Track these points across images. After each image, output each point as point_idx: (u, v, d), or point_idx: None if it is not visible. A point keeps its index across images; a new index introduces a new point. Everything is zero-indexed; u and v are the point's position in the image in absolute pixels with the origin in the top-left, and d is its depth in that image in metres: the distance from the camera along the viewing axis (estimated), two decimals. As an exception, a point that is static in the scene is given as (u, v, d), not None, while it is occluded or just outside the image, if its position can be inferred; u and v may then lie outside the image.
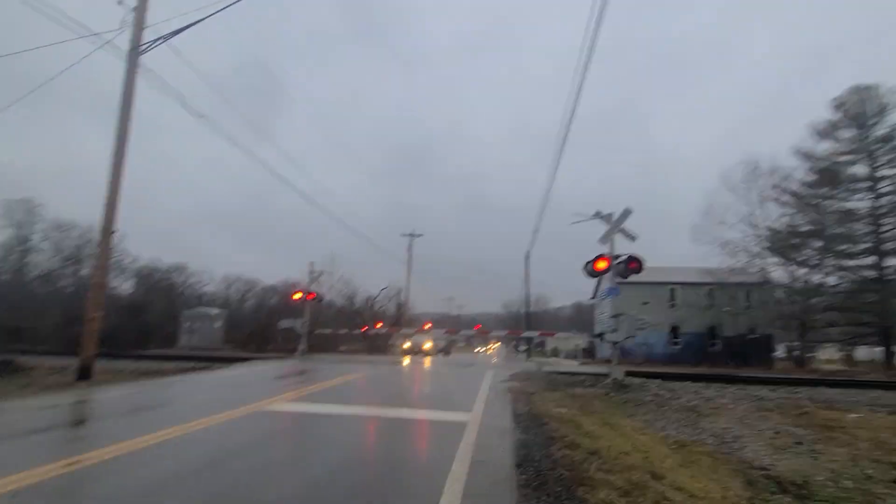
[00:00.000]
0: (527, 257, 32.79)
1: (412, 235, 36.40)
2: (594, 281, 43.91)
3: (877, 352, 39.56)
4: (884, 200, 29.04)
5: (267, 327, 26.77)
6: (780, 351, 32.82)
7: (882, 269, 28.36)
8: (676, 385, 10.46)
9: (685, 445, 6.41)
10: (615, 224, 10.20)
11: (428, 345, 26.89)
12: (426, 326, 23.93)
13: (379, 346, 35.08)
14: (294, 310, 21.83)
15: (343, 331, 22.27)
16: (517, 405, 7.26)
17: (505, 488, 3.58)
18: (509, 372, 12.93)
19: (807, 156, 31.60)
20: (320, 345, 28.21)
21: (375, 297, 38.54)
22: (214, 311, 29.67)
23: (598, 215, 10.39)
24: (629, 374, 10.77)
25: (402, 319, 36.36)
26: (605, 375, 11.09)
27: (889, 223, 28.88)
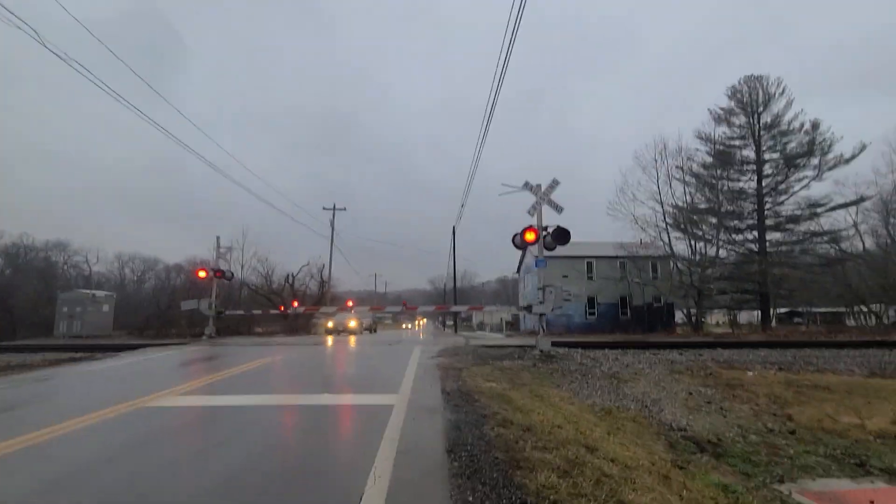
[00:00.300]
0: (454, 232, 32.74)
1: (335, 209, 34.64)
2: (518, 256, 45.42)
3: (754, 315, 45.64)
4: (767, 181, 32.78)
5: (168, 310, 24.13)
6: (677, 317, 36.40)
7: (763, 242, 32.21)
8: (598, 353, 10.82)
9: (610, 412, 6.47)
10: (543, 194, 10.11)
11: (353, 323, 25.93)
12: (348, 304, 22.91)
13: (301, 326, 33.44)
14: (202, 290, 19.80)
15: (257, 311, 20.58)
16: (446, 382, 6.90)
17: (436, 479, 3.13)
18: (437, 348, 12.64)
19: (705, 139, 34.61)
20: (233, 327, 26.16)
21: (296, 275, 36.50)
22: (101, 293, 26.06)
23: (526, 186, 10.23)
24: (554, 344, 10.94)
25: (325, 298, 34.86)
26: (532, 347, 11.18)
27: (770, 202, 32.72)
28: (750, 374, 8.79)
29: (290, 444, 4.02)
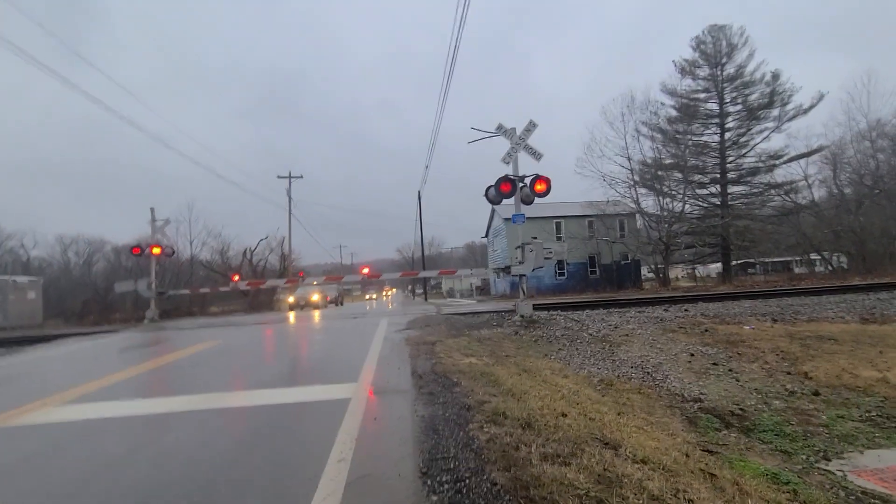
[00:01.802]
0: (419, 196, 31.20)
1: (290, 177, 32.22)
2: (486, 219, 44.41)
3: (710, 269, 47.15)
4: (729, 135, 32.76)
5: (108, 293, 21.78)
6: (643, 273, 36.82)
7: (725, 196, 32.48)
8: (582, 315, 9.96)
9: (612, 384, 5.53)
10: (519, 139, 8.84)
11: (316, 297, 24.40)
12: (300, 275, 21.26)
13: (262, 303, 31.55)
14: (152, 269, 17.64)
15: (205, 290, 18.68)
16: (417, 361, 5.73)
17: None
18: (406, 318, 11.47)
19: (671, 93, 34.04)
20: (185, 308, 24.10)
21: (254, 249, 34.21)
22: (23, 278, 23.18)
23: (500, 129, 8.93)
24: (535, 308, 9.98)
25: (287, 272, 32.92)
26: (510, 312, 10.19)
27: (732, 155, 32.83)
28: (747, 328, 8.13)
29: (189, 477, 2.73)
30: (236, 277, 17.28)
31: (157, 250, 15.36)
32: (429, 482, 2.44)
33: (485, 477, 2.48)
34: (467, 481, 2.44)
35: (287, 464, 2.78)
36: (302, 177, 33.31)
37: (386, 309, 20.36)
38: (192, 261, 32.65)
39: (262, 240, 35.35)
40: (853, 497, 3.33)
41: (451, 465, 2.63)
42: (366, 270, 16.14)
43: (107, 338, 11.34)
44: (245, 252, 34.76)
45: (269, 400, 4.24)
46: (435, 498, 2.28)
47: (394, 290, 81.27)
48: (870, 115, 30.17)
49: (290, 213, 32.20)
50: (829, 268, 32.73)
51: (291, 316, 17.46)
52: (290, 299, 24.89)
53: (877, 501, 3.27)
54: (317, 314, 17.83)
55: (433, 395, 4.15)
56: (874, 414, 4.80)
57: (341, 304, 34.56)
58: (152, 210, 16.10)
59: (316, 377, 5.27)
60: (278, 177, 32.59)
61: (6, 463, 3.04)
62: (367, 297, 56.81)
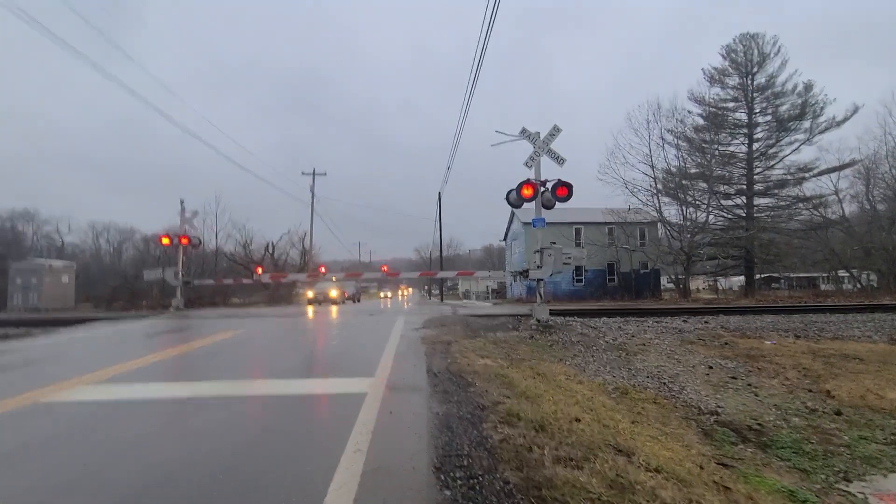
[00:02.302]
0: (440, 197, 31.33)
1: (314, 174, 32.73)
2: (505, 223, 44.32)
3: (732, 281, 46.05)
4: (757, 145, 31.98)
5: (137, 280, 22.49)
6: (662, 283, 36.17)
7: (752, 208, 31.70)
8: (598, 322, 9.90)
9: (626, 393, 5.50)
10: (542, 143, 8.85)
11: (334, 292, 24.71)
12: (321, 270, 21.53)
13: (282, 296, 32.12)
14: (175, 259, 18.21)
15: (228, 280, 19.13)
16: (433, 360, 5.81)
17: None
18: (423, 318, 11.57)
19: (699, 101, 33.41)
20: (208, 298, 24.70)
21: (276, 243, 34.84)
22: (59, 262, 24.10)
23: (523, 133, 8.94)
24: (551, 313, 9.95)
25: (307, 266, 33.45)
26: (526, 316, 10.19)
27: (760, 166, 32.04)
28: (768, 343, 7.96)
29: (205, 464, 2.85)
30: (260, 270, 17.66)
31: (184, 241, 15.82)
32: (442, 477, 2.50)
33: (497, 475, 2.53)
34: (480, 478, 2.49)
35: (305, 451, 2.88)
36: (326, 174, 33.81)
37: (402, 308, 20.53)
38: (217, 252, 33.45)
39: (284, 234, 36.04)
40: (873, 520, 3.27)
41: (465, 463, 2.69)
42: (385, 268, 16.30)
43: (135, 323, 11.75)
44: (267, 246, 35.47)
45: (289, 390, 4.36)
46: (448, 493, 2.34)
47: (410, 289, 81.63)
48: (906, 129, 29.05)
49: (312, 209, 32.74)
50: (858, 285, 31.62)
51: (310, 310, 17.76)
52: (310, 294, 25.27)
53: (897, 525, 3.20)
54: (335, 310, 18.10)
55: (448, 394, 4.21)
56: (900, 437, 4.67)
57: (358, 300, 34.93)
58: (182, 201, 16.61)
59: (334, 370, 5.39)
60: (302, 173, 33.13)
61: (42, 436, 3.21)
62: (382, 295, 55.17)
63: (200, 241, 19.12)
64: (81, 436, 3.23)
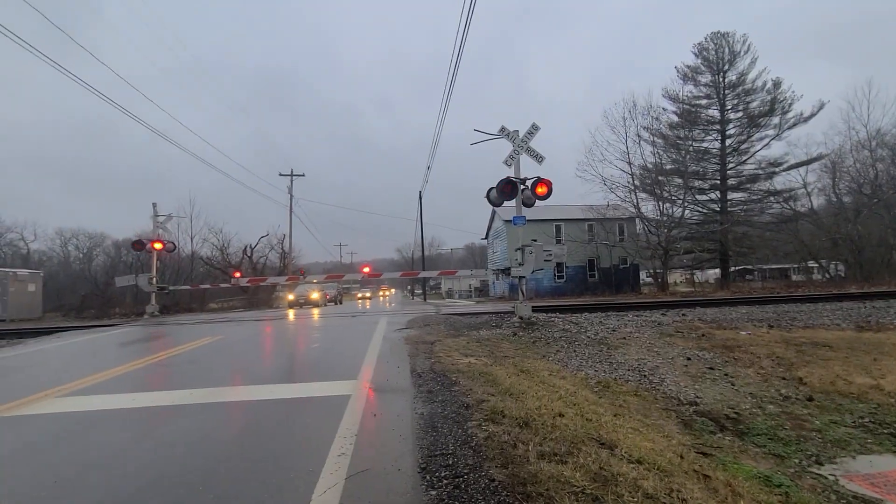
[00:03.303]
0: (420, 197, 31.26)
1: (292, 175, 32.25)
2: (486, 222, 44.48)
3: (708, 274, 47.27)
4: (730, 141, 32.85)
5: (109, 287, 21.81)
6: (641, 278, 36.87)
7: (725, 202, 32.56)
8: (580, 318, 10.02)
9: (608, 386, 5.58)
10: (522, 142, 8.90)
11: (315, 295, 24.42)
12: (301, 272, 21.25)
13: (262, 300, 31.58)
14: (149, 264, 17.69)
15: (206, 286, 18.71)
16: (417, 360, 5.79)
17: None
18: (406, 318, 11.52)
19: (673, 98, 34.11)
20: (184, 303, 24.11)
21: (254, 246, 34.21)
22: (24, 271, 23.18)
23: (502, 131, 8.98)
24: (534, 310, 10.03)
25: (286, 269, 32.96)
26: (509, 314, 10.25)
27: (732, 162, 32.91)
28: (744, 333, 8.19)
29: (181, 475, 2.78)
30: (238, 274, 17.31)
31: (158, 245, 15.39)
32: (428, 477, 2.49)
33: (483, 473, 2.53)
34: (465, 477, 2.49)
35: (289, 456, 2.83)
36: (304, 175, 33.40)
37: (385, 308, 20.41)
38: (193, 257, 32.64)
39: (262, 237, 35.34)
40: (844, 501, 3.39)
41: (450, 462, 2.69)
42: (367, 269, 16.17)
43: (107, 332, 11.38)
44: (245, 249, 34.76)
45: (271, 395, 4.28)
46: (434, 492, 2.34)
47: (392, 289, 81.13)
48: (869, 124, 30.29)
49: (290, 211, 32.27)
50: (827, 276, 32.81)
51: (291, 313, 17.50)
52: (290, 297, 24.92)
53: (867, 505, 3.33)
54: (316, 312, 17.88)
55: (432, 394, 4.20)
56: (867, 420, 4.87)
57: (340, 302, 34.60)
58: (154, 205, 16.14)
59: (316, 374, 5.32)
60: (280, 174, 32.60)
61: (11, 451, 3.08)
62: (360, 296, 50.69)
63: (175, 246, 18.64)
64: (53, 449, 3.11)
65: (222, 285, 18.24)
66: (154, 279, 15.52)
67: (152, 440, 3.22)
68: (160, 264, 18.10)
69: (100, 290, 23.46)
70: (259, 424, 3.53)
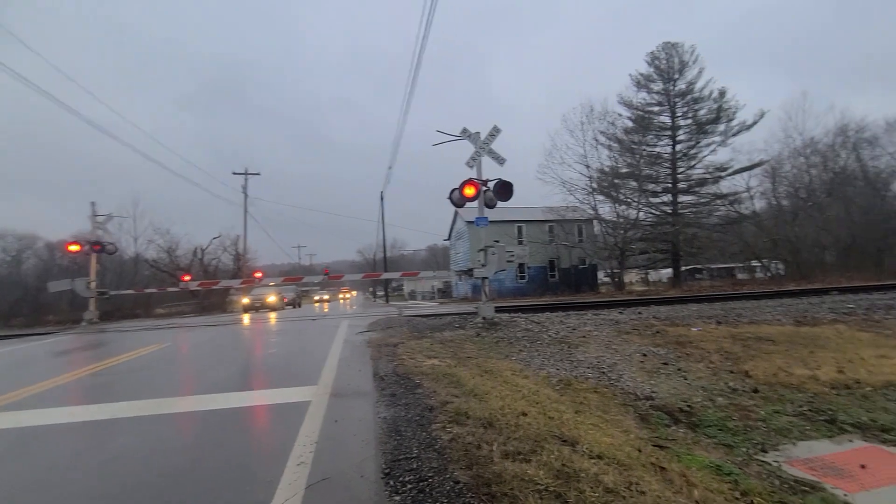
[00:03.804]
0: (382, 197, 30.95)
1: (247, 173, 31.11)
2: (449, 223, 44.67)
3: (661, 274, 49.54)
4: (680, 147, 34.53)
5: (40, 293, 20.21)
6: (599, 277, 38.14)
7: (676, 205, 34.19)
8: (542, 317, 10.19)
9: (570, 384, 5.68)
10: (483, 143, 8.96)
11: (272, 298, 23.59)
12: (256, 275, 20.52)
13: (214, 304, 30.27)
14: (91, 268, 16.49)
15: (152, 290, 17.66)
16: (379, 363, 5.68)
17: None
18: (367, 320, 11.34)
19: (627, 104, 35.50)
20: (128, 309, 22.74)
21: (205, 248, 32.73)
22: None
23: (464, 133, 9.01)
24: (496, 310, 10.12)
25: (241, 272, 31.71)
26: (473, 314, 10.29)
27: (682, 166, 34.59)
28: (695, 329, 8.59)
29: (127, 491, 2.57)
30: (187, 277, 16.45)
31: (97, 247, 14.38)
32: (391, 482, 2.43)
33: (447, 476, 2.50)
34: (430, 480, 2.44)
35: (244, 468, 2.68)
36: (259, 174, 32.18)
37: (346, 311, 20.03)
38: (137, 259, 30.81)
39: (214, 238, 33.84)
40: (786, 485, 3.59)
41: (414, 466, 2.63)
42: (327, 271, 15.79)
43: (39, 341, 10.52)
44: (196, 251, 33.17)
45: (224, 404, 4.07)
46: (398, 498, 2.28)
47: (354, 292, 79.66)
48: (804, 133, 32.71)
49: (245, 211, 31.09)
50: (768, 274, 35.06)
51: (246, 318, 16.84)
52: (245, 301, 23.96)
53: (807, 488, 3.54)
54: (273, 316, 17.29)
55: (395, 397, 4.12)
56: (805, 409, 5.19)
57: (299, 306, 33.63)
58: (93, 204, 15.08)
59: (273, 380, 5.11)
60: (234, 173, 31.29)
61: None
62: (317, 299, 46.55)
63: (116, 248, 17.48)
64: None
65: (170, 289, 17.28)
66: (93, 283, 14.50)
67: (94, 457, 2.97)
68: (100, 267, 16.92)
69: (31, 295, 21.73)
70: (212, 436, 3.34)
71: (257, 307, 23.21)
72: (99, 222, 14.95)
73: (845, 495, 3.45)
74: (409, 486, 2.39)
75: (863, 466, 3.91)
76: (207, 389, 4.73)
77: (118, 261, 27.37)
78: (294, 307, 30.81)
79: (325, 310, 22.46)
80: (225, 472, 2.63)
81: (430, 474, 2.51)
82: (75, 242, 14.77)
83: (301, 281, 18.50)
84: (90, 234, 14.96)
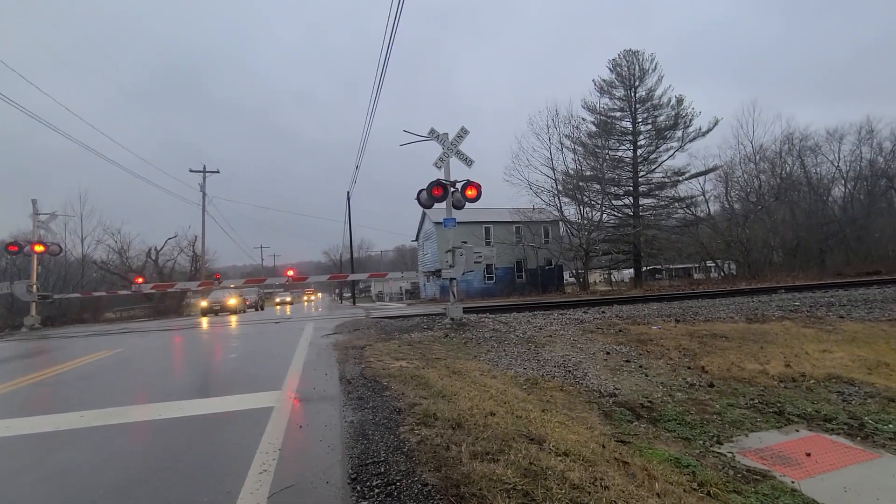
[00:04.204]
0: (349, 197, 30.51)
1: (205, 171, 29.93)
2: (416, 224, 44.55)
3: (623, 274, 51.24)
4: (640, 151, 35.82)
5: (-23, 297, 18.69)
6: (565, 278, 39.04)
7: (637, 207, 35.43)
8: (509, 317, 10.31)
9: (536, 383, 5.77)
10: (451, 145, 8.98)
11: (232, 301, 22.74)
12: (216, 277, 19.78)
13: (170, 308, 28.93)
14: (33, 270, 15.47)
15: (100, 293, 16.67)
16: (346, 366, 5.58)
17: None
18: (334, 323, 11.13)
19: (591, 109, 36.52)
20: (73, 313, 21.41)
21: (160, 249, 31.27)
22: None
23: (432, 134, 9.00)
24: (464, 311, 10.16)
25: (199, 274, 30.48)
26: (441, 315, 10.29)
27: (643, 170, 35.90)
28: (655, 328, 8.90)
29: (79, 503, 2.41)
30: (140, 279, 15.65)
31: (39, 248, 13.47)
32: (359, 487, 2.38)
33: (416, 478, 2.47)
34: (398, 483, 2.41)
35: (203, 479, 2.56)
36: (218, 171, 30.95)
37: (311, 313, 19.60)
38: (84, 260, 28.99)
39: (169, 238, 32.34)
40: (740, 475, 3.77)
41: (382, 469, 2.59)
42: (291, 272, 15.40)
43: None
44: (149, 252, 31.61)
45: (181, 412, 3.88)
46: (365, 502, 2.24)
47: (319, 293, 78.02)
48: (755, 140, 34.66)
49: (203, 210, 29.91)
50: (722, 274, 36.88)
51: (204, 322, 16.19)
52: (203, 303, 22.99)
53: (758, 477, 3.73)
54: (234, 319, 16.70)
55: (363, 400, 4.06)
56: (757, 402, 5.48)
57: (262, 308, 32.64)
58: (34, 202, 14.11)
59: (234, 386, 4.92)
60: (191, 170, 29.99)
61: None
62: (279, 301, 42.35)
63: (61, 249, 16.44)
64: None
65: (121, 292, 16.37)
66: (34, 286, 13.58)
67: (36, 473, 2.76)
68: (42, 269, 15.88)
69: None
70: (168, 446, 3.18)
71: (216, 310, 22.34)
72: (41, 221, 13.99)
73: (793, 482, 3.66)
74: (377, 490, 2.35)
75: (808, 454, 4.15)
76: (163, 397, 4.51)
77: (63, 262, 25.71)
78: (256, 310, 29.89)
79: (288, 312, 21.89)
80: (181, 484, 2.50)
81: (398, 477, 2.48)
82: (15, 243, 13.79)
83: (264, 283, 17.96)
84: (32, 234, 13.98)
